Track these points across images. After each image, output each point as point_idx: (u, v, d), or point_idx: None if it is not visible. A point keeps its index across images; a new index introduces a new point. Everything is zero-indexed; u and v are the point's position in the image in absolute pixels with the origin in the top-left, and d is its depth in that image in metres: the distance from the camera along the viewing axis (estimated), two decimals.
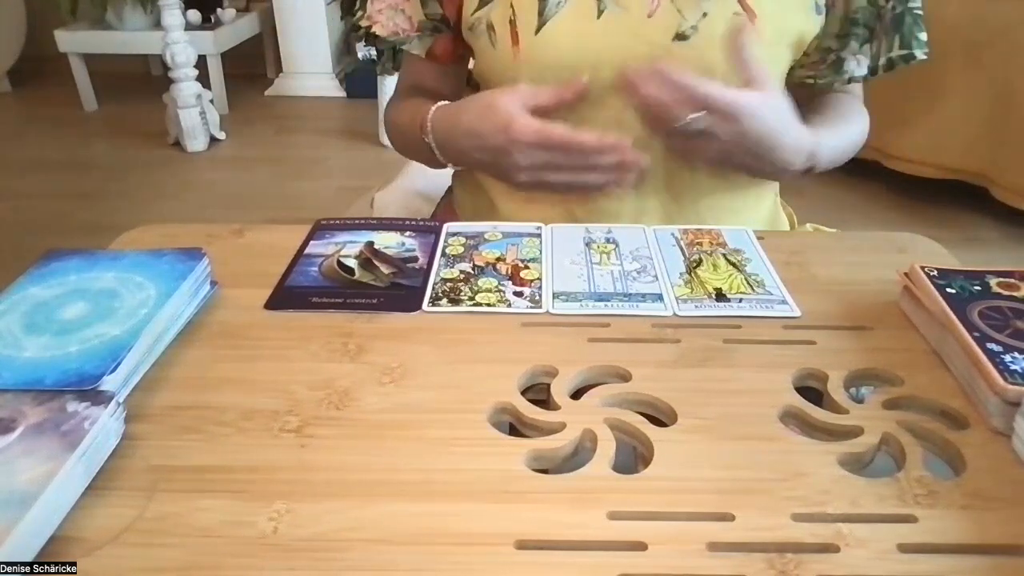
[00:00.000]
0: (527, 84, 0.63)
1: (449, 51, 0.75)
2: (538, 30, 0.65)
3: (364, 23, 0.75)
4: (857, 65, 0.71)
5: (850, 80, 0.72)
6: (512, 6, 0.66)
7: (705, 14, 0.63)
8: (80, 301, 0.48)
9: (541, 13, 0.65)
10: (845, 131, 0.71)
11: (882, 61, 0.70)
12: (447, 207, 0.85)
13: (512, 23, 0.66)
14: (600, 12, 0.64)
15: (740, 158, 0.60)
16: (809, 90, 0.74)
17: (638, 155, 0.58)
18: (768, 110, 0.58)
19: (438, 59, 0.76)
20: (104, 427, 0.38)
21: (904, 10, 0.68)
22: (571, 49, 0.65)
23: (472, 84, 0.80)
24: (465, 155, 0.66)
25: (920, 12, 0.69)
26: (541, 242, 0.60)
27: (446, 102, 0.68)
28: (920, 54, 0.70)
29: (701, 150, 0.59)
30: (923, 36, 0.70)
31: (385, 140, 2.61)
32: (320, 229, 0.62)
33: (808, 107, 0.74)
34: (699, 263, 0.57)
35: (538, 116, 0.60)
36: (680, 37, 0.63)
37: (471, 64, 0.78)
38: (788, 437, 0.41)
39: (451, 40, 0.75)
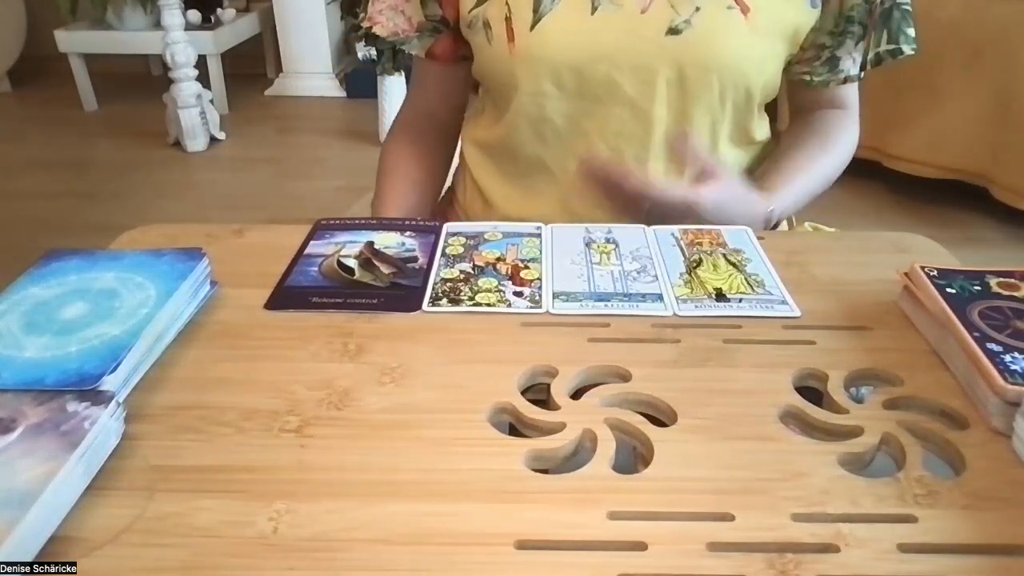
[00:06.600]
0: (522, 79, 0.66)
1: (449, 51, 0.76)
2: (533, 26, 0.65)
3: (365, 24, 0.76)
4: (852, 64, 0.71)
5: (845, 79, 0.72)
6: (508, 3, 0.66)
7: (698, 8, 0.64)
8: (80, 301, 0.48)
9: (536, 10, 0.66)
10: (819, 171, 0.73)
11: (870, 56, 0.71)
12: (447, 207, 0.85)
13: (508, 20, 0.67)
14: (594, 8, 0.65)
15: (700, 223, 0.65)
16: (807, 89, 0.74)
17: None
18: (714, 203, 0.62)
19: (438, 59, 0.76)
20: (104, 427, 0.38)
21: (892, 5, 0.69)
22: (565, 46, 0.66)
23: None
24: None
25: (909, 8, 0.70)
26: (541, 242, 0.60)
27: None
28: (908, 49, 0.70)
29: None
30: (911, 32, 0.70)
31: None
32: (320, 229, 0.62)
33: (790, 132, 0.77)
34: (699, 263, 0.57)
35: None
36: (673, 31, 0.64)
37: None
38: (788, 437, 0.41)
39: (451, 40, 0.75)
